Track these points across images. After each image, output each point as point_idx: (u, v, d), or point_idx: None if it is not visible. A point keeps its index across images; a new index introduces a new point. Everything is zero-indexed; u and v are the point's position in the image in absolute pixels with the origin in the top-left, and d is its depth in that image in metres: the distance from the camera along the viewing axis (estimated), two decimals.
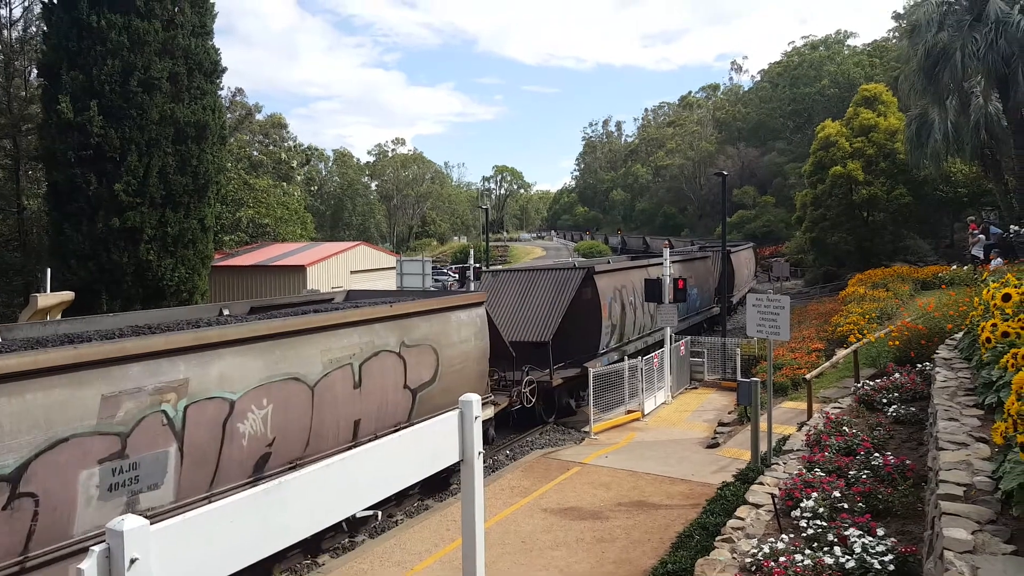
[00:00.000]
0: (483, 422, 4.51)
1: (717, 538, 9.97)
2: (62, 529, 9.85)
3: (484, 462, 5.06)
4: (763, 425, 14.80)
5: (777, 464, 12.53)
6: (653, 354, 25.50)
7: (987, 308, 11.47)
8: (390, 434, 4.42)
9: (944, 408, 9.97)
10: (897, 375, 15.95)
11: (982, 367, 10.51)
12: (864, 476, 10.21)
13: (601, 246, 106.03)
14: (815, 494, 9.62)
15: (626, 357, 25.75)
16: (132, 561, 2.83)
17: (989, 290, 11.55)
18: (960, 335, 15.80)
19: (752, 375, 24.38)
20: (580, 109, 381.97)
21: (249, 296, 46.09)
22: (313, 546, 14.79)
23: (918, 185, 49.07)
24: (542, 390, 24.93)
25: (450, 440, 4.60)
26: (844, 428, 12.75)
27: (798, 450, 12.97)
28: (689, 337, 30.49)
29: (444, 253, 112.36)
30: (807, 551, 8.23)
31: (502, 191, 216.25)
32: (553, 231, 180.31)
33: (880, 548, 8.01)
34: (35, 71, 42.76)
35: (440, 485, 18.49)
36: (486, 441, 19.41)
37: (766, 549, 8.51)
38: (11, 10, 46.15)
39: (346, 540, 15.79)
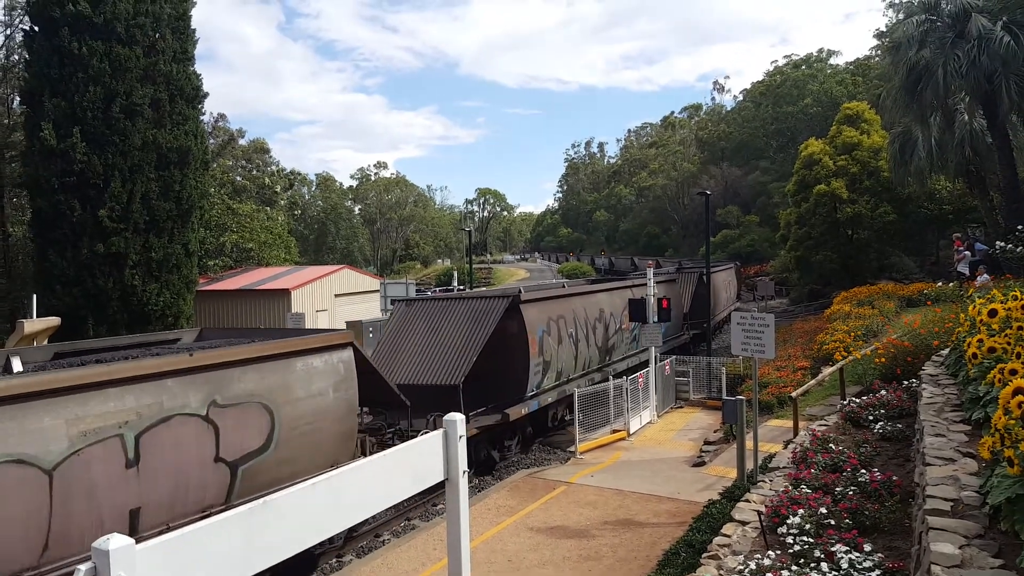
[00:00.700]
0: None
1: (703, 555, 9.99)
2: None
3: (468, 482, 5.05)
4: (749, 443, 14.80)
5: (763, 481, 12.55)
6: (638, 374, 25.41)
7: (973, 324, 11.52)
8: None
9: (931, 424, 9.99)
10: (883, 392, 16.00)
11: (969, 383, 10.54)
12: (851, 492, 10.23)
13: (585, 267, 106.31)
14: (801, 511, 9.63)
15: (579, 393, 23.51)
16: None
17: (975, 306, 11.60)
18: (946, 351, 15.85)
19: (738, 394, 24.37)
20: (563, 131, 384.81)
21: (235, 322, 46.09)
22: (305, 564, 14.68)
23: (903, 203, 49.18)
24: None
25: (435, 459, 4.59)
26: (830, 445, 12.77)
27: (784, 467, 12.99)
28: (674, 357, 30.30)
29: (428, 276, 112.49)
30: (794, 567, 8.23)
31: (485, 213, 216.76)
32: (537, 253, 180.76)
33: (867, 564, 8.02)
34: (17, 98, 42.76)
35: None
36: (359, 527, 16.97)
37: (752, 566, 8.50)
38: None
39: (333, 560, 15.75)
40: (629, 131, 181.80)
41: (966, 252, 33.35)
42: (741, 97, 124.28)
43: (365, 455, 15.77)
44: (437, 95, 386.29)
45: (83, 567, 2.83)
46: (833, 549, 8.44)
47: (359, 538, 16.78)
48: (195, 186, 37.32)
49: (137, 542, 2.90)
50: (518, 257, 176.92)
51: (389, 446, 14.43)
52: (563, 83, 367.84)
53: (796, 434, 16.50)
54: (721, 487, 14.98)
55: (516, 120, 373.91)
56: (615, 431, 23.58)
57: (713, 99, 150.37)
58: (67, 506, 10.56)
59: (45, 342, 29.76)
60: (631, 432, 23.84)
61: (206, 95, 39.34)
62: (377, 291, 47.86)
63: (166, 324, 36.32)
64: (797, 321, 45.98)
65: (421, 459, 4.54)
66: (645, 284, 30.84)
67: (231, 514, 3.37)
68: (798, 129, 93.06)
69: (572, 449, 22.07)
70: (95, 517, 10.92)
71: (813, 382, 20.45)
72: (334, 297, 50.35)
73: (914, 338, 19.69)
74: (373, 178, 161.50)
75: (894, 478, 10.62)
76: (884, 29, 75.73)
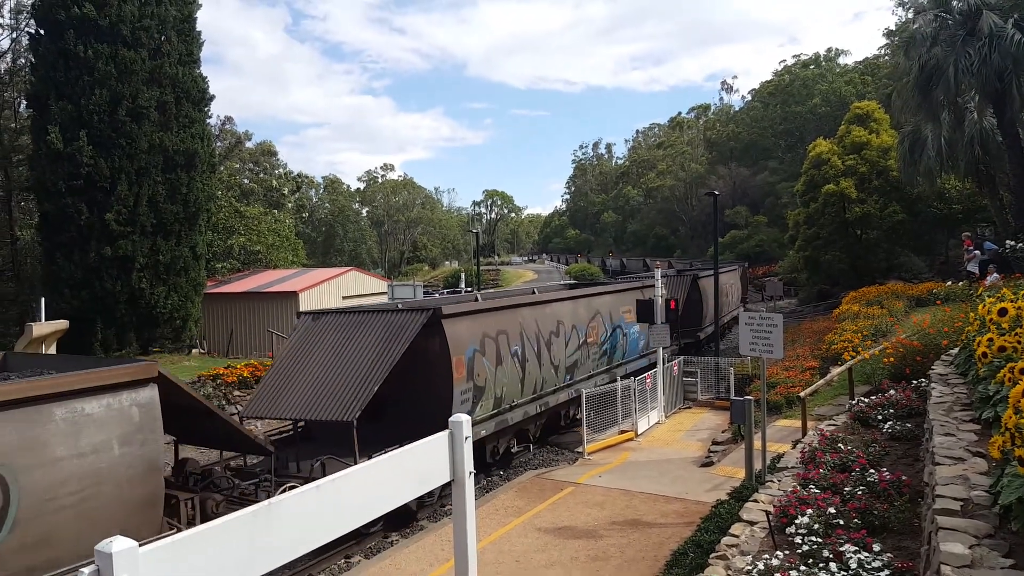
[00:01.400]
0: None
1: (712, 555, 9.95)
2: None
3: (475, 483, 5.03)
4: (757, 443, 14.75)
5: (771, 481, 12.50)
6: (646, 374, 25.30)
7: (983, 323, 11.46)
8: None
9: (940, 423, 9.94)
10: (892, 391, 15.97)
11: (978, 382, 10.50)
12: (860, 492, 10.20)
13: (594, 268, 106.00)
14: (810, 511, 9.59)
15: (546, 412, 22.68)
16: None
17: (985, 305, 11.55)
18: (956, 351, 15.81)
19: (746, 394, 24.30)
20: (570, 132, 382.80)
21: (243, 324, 46.21)
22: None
23: (912, 202, 49.06)
24: None
25: (441, 460, 4.57)
26: (839, 445, 12.73)
27: (793, 467, 12.95)
28: (682, 357, 30.12)
29: (436, 278, 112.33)
30: (802, 567, 8.20)
31: (493, 215, 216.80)
32: (545, 254, 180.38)
33: (876, 564, 7.98)
34: (24, 102, 42.88)
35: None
36: None
37: (761, 566, 8.47)
38: None
39: (341, 560, 15.72)
40: (637, 132, 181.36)
41: (976, 251, 33.29)
42: (749, 97, 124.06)
43: (184, 525, 13.31)
44: (444, 97, 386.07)
45: (85, 570, 2.83)
46: (842, 549, 8.41)
47: (368, 538, 16.70)
48: (202, 189, 37.45)
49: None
50: (526, 259, 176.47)
51: (238, 507, 10.90)
52: (570, 84, 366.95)
53: (805, 434, 16.46)
54: (729, 487, 14.94)
55: (523, 121, 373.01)
56: (623, 432, 23.53)
57: (721, 99, 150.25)
58: None
59: (54, 345, 29.95)
60: (639, 432, 23.79)
61: (212, 98, 39.47)
62: (385, 293, 47.94)
63: (174, 327, 36.54)
64: (806, 321, 45.80)
65: (427, 460, 4.51)
66: (617, 292, 29.64)
67: (234, 516, 3.36)
68: (807, 129, 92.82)
69: (580, 450, 22.03)
70: None
71: (822, 382, 20.37)
72: (342, 299, 50.33)
73: (923, 337, 19.66)
74: (380, 180, 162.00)
75: (903, 478, 10.58)
76: (893, 28, 75.73)
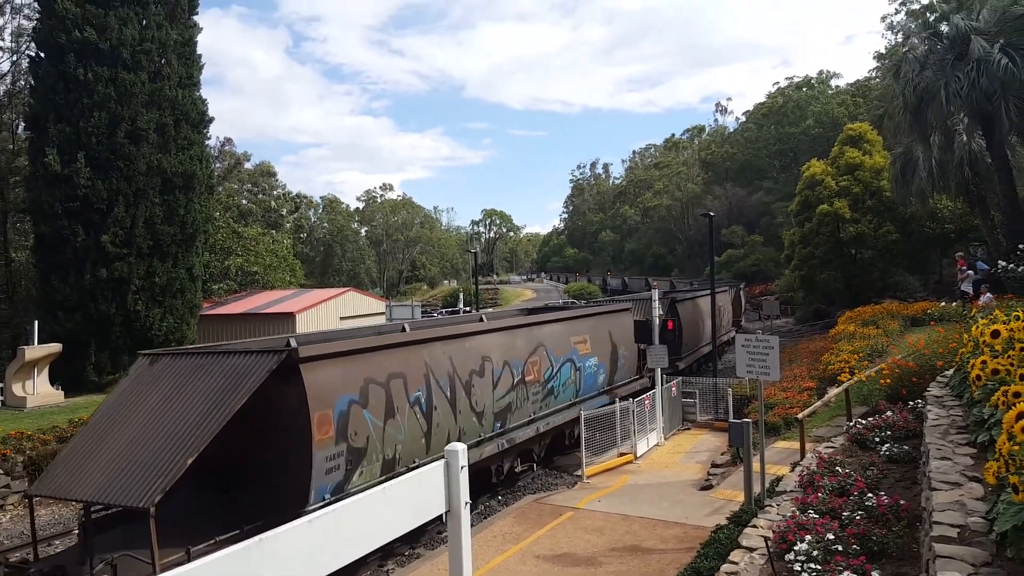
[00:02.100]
0: None
1: None
2: None
3: (474, 508, 5.00)
4: (756, 466, 14.73)
5: (771, 506, 12.48)
6: (644, 396, 25.23)
7: (976, 345, 11.47)
8: None
9: (936, 447, 9.93)
10: (889, 413, 15.95)
11: (973, 405, 10.49)
12: (858, 517, 10.17)
13: (593, 287, 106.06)
14: (809, 536, 9.56)
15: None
16: None
17: (978, 326, 11.55)
18: (951, 372, 15.82)
19: (745, 415, 24.19)
20: (568, 152, 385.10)
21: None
22: None
23: (905, 222, 49.30)
24: None
25: (436, 491, 4.55)
26: (837, 468, 12.72)
27: (791, 491, 12.93)
28: (680, 378, 30.02)
29: (434, 297, 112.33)
30: None
31: (491, 234, 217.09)
32: (543, 273, 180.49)
33: None
34: (22, 124, 42.97)
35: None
36: None
37: None
38: None
39: None
40: (634, 152, 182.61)
41: (969, 271, 33.36)
42: (743, 118, 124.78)
43: None
44: (443, 117, 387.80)
45: None
46: None
47: (363, 567, 16.52)
48: (200, 210, 37.46)
49: None
50: (524, 277, 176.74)
51: None
52: (568, 105, 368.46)
53: (803, 456, 16.43)
54: (729, 511, 14.90)
55: (522, 142, 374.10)
56: (622, 454, 23.46)
57: (716, 120, 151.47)
58: None
59: (46, 369, 29.89)
60: (638, 455, 23.73)
61: (212, 119, 39.54)
62: (383, 313, 47.87)
63: None
64: (803, 341, 45.78)
65: (422, 491, 4.49)
66: (568, 319, 26.65)
67: (226, 553, 3.34)
68: (800, 149, 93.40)
69: (579, 473, 21.97)
70: None
71: (819, 403, 20.37)
72: (339, 320, 50.29)
73: (919, 358, 19.68)
74: (380, 200, 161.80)
75: (901, 502, 10.56)
76: (883, 51, 76.22)
